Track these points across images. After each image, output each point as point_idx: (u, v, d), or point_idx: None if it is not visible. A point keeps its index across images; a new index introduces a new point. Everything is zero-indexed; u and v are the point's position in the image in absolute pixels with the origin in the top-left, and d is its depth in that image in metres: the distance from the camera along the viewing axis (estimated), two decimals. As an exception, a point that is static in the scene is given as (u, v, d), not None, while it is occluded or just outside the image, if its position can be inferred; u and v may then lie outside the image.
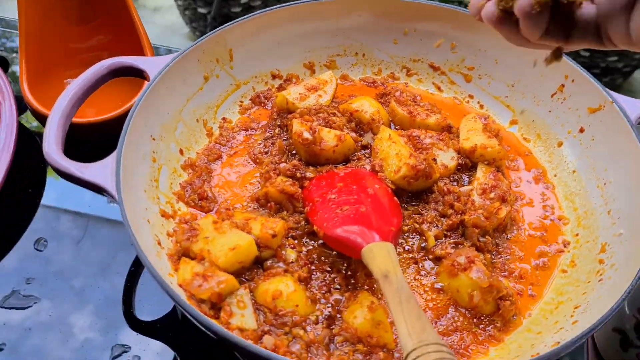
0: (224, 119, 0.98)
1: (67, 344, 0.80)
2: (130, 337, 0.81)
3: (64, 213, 0.95)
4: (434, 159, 0.86)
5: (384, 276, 0.65)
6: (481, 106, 1.02)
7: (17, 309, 0.84)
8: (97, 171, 0.74)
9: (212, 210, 0.85)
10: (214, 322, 0.62)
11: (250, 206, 0.85)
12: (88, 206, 0.96)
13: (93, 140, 0.96)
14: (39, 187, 0.99)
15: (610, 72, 2.37)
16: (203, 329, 0.64)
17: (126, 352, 0.80)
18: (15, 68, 1.21)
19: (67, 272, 0.88)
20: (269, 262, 0.76)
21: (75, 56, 1.12)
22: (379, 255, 0.68)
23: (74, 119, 0.92)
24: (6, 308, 0.84)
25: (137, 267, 0.87)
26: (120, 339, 0.80)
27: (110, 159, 0.75)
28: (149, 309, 0.83)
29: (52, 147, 0.76)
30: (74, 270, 0.88)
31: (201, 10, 3.24)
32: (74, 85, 0.83)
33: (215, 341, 0.75)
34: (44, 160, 0.75)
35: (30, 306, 0.85)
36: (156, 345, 0.80)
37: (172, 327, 0.81)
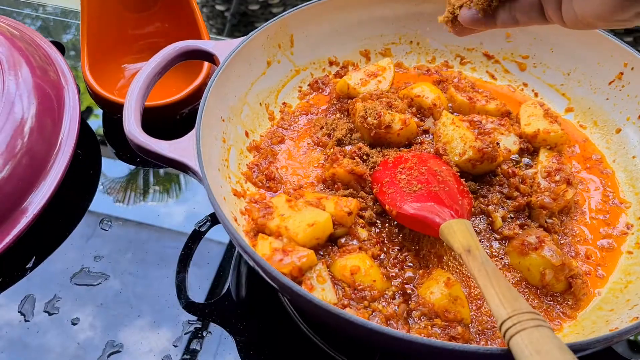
0: (284, 103, 0.99)
1: (139, 319, 0.82)
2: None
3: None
4: (497, 143, 0.87)
5: (467, 251, 0.67)
6: (536, 94, 1.03)
7: (87, 285, 0.86)
8: (179, 148, 0.76)
9: (279, 191, 0.87)
10: (301, 288, 0.63)
11: (317, 187, 0.87)
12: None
13: (151, 125, 0.98)
14: (95, 175, 1.01)
15: None
16: (289, 296, 0.65)
17: (197, 327, 0.82)
18: (68, 56, 1.24)
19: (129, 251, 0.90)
20: (343, 240, 0.78)
21: (133, 43, 1.14)
22: (459, 231, 0.70)
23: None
24: (77, 284, 0.86)
25: (185, 258, 0.89)
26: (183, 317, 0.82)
27: (189, 137, 0.77)
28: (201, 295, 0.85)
29: (132, 124, 0.78)
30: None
31: (219, 7, 3.26)
32: (148, 66, 0.85)
33: (268, 322, 0.77)
34: (98, 147, 0.74)
35: (100, 283, 0.87)
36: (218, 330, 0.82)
37: (226, 310, 0.83)
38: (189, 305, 0.83)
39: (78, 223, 0.94)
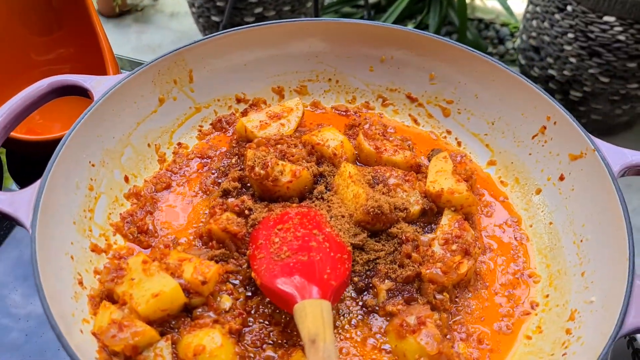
0: (179, 144, 0.91)
1: None
2: None
3: None
4: (395, 205, 0.78)
5: (312, 341, 0.58)
6: (459, 143, 0.94)
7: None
8: (17, 201, 0.68)
9: (151, 245, 0.79)
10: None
11: (195, 243, 0.79)
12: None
13: (35, 159, 0.91)
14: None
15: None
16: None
17: None
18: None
19: None
20: (198, 311, 0.69)
21: (37, 68, 1.07)
22: (311, 315, 0.61)
23: (16, 134, 0.87)
24: None
25: None
26: None
27: (30, 189, 0.69)
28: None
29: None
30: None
31: (214, 18, 3.21)
32: (11, 103, 0.77)
33: None
34: None
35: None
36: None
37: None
38: None
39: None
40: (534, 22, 2.47)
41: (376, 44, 0.96)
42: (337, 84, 1.00)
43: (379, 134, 0.89)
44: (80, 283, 0.69)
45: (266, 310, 0.72)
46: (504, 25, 3.60)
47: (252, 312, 0.71)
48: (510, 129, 0.90)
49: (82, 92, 0.82)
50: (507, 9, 3.11)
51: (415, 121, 0.98)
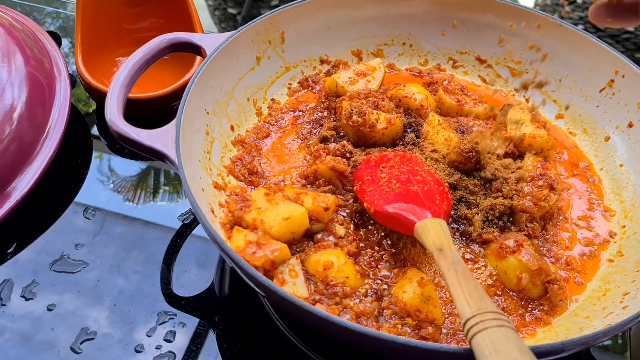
0: (272, 99, 1.00)
1: (114, 307, 0.82)
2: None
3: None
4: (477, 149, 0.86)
5: (439, 250, 0.66)
6: (527, 100, 1.03)
7: (66, 272, 0.86)
8: (158, 137, 0.76)
9: (261, 185, 0.86)
10: (271, 282, 0.63)
11: (298, 183, 0.87)
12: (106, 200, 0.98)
13: (142, 117, 0.99)
14: (86, 162, 1.02)
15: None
16: (259, 290, 0.65)
17: (172, 318, 0.81)
18: (65, 46, 1.25)
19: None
20: (319, 235, 0.77)
21: (128, 36, 1.14)
22: (433, 230, 0.69)
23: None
24: (56, 271, 0.86)
25: (172, 251, 0.89)
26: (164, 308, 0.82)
27: (170, 127, 0.77)
28: (186, 288, 0.85)
29: (114, 113, 0.78)
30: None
31: (231, 10, 3.28)
32: (135, 56, 0.85)
33: (251, 317, 0.76)
34: (90, 139, 0.75)
35: (79, 271, 0.87)
36: (196, 321, 0.81)
37: (209, 304, 0.83)
38: (169, 298, 0.83)
39: (63, 212, 0.95)
40: (544, 14, 2.55)
41: (449, 10, 1.04)
42: (411, 48, 1.08)
43: (457, 89, 0.98)
44: (212, 212, 0.77)
45: (374, 238, 0.80)
46: (511, 19, 3.68)
47: (362, 239, 0.79)
48: (577, 85, 0.98)
49: (195, 49, 0.90)
50: (516, 0, 3.19)
51: (484, 81, 1.06)
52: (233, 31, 0.92)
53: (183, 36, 0.89)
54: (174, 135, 0.76)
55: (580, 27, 2.30)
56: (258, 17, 0.95)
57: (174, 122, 0.78)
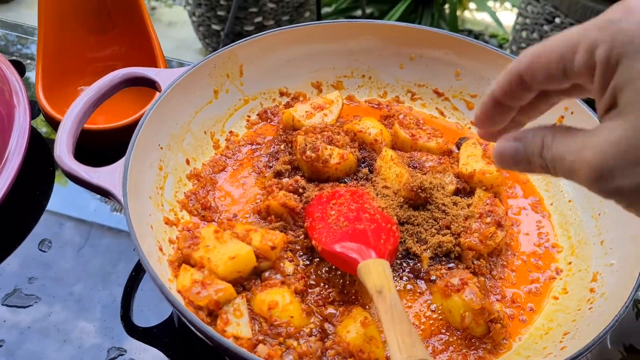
0: (230, 132, 1.00)
1: (64, 344, 0.82)
2: (127, 342, 0.82)
3: (68, 219, 0.98)
4: (433, 183, 0.88)
5: (378, 292, 0.67)
6: (482, 133, 1.04)
7: (18, 307, 0.86)
8: (105, 176, 0.77)
9: (214, 220, 0.87)
10: (210, 328, 0.64)
11: (251, 218, 0.87)
12: (93, 211, 0.98)
13: (102, 148, 0.99)
14: (46, 191, 1.02)
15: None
16: (199, 334, 0.66)
17: (122, 355, 0.81)
18: (30, 74, 1.25)
19: (68, 276, 0.89)
20: (266, 274, 0.78)
21: (90, 65, 1.15)
22: (375, 272, 0.70)
23: (85, 125, 0.95)
24: (7, 306, 0.86)
25: (137, 274, 0.89)
26: (117, 343, 0.82)
27: (119, 165, 0.78)
28: (146, 316, 0.85)
29: (63, 150, 0.79)
30: (74, 276, 0.89)
31: (215, 27, 3.30)
32: (89, 92, 0.86)
33: (209, 349, 0.76)
34: (53, 165, 0.76)
35: (31, 305, 0.86)
36: (152, 352, 0.81)
37: (168, 334, 0.83)
38: (129, 329, 0.83)
39: (19, 244, 0.94)
40: (524, 34, 2.59)
41: (407, 44, 1.06)
42: (370, 80, 1.10)
43: (412, 123, 0.99)
44: (160, 249, 0.78)
45: (323, 275, 0.80)
46: (492, 36, 3.74)
47: (311, 276, 0.80)
48: (530, 121, 1.00)
49: (150, 83, 0.91)
50: (497, 20, 3.24)
51: (441, 113, 1.08)
52: (189, 66, 0.93)
53: (138, 71, 0.90)
54: (121, 173, 0.76)
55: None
56: (215, 52, 0.96)
57: (122, 159, 0.78)
